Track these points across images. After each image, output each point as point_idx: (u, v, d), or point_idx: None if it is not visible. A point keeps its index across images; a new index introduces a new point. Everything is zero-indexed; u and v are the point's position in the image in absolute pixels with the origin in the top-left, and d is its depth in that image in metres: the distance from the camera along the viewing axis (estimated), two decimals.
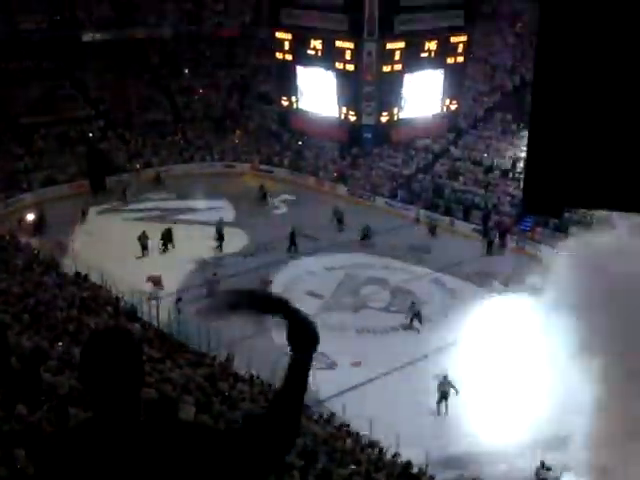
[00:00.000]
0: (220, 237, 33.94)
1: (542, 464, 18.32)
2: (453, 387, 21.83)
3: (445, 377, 22.00)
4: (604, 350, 16.78)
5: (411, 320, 26.77)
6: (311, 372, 2.44)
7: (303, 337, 2.42)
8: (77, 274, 27.23)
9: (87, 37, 47.19)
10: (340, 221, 37.00)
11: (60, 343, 18.17)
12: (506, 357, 23.94)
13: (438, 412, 21.84)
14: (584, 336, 16.91)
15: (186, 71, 52.05)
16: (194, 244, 33.55)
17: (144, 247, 32.58)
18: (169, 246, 33.68)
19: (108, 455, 2.26)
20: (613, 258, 17.29)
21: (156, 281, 29.33)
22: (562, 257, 20.89)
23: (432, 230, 36.45)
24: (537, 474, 18.30)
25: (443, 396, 21.86)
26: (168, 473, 2.24)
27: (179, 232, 34.42)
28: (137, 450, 2.27)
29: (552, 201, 2.53)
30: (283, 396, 2.40)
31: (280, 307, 2.42)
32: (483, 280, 31.07)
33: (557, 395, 18.90)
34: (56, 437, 2.51)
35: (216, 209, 38.35)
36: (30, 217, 35.22)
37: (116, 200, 40.51)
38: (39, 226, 34.73)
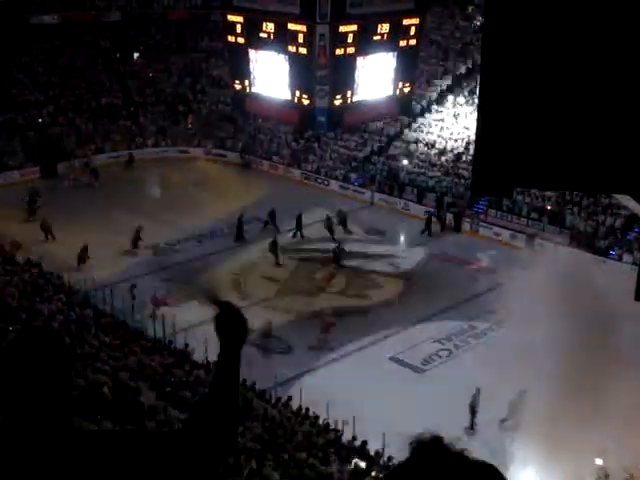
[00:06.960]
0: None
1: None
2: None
3: (478, 389, 20.04)
4: None
5: None
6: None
7: (233, 329, 2.40)
8: (28, 261, 26.77)
9: (35, 19, 46.17)
10: (344, 224, 34.09)
11: (11, 328, 17.90)
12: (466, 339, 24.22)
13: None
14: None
15: (136, 55, 51.31)
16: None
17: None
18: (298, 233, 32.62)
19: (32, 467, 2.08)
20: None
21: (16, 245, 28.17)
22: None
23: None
24: None
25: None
26: None
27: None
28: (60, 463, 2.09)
29: (502, 181, 2.54)
30: (215, 392, 2.33)
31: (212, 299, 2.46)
32: (442, 262, 31.27)
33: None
34: None
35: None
36: None
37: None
38: None
